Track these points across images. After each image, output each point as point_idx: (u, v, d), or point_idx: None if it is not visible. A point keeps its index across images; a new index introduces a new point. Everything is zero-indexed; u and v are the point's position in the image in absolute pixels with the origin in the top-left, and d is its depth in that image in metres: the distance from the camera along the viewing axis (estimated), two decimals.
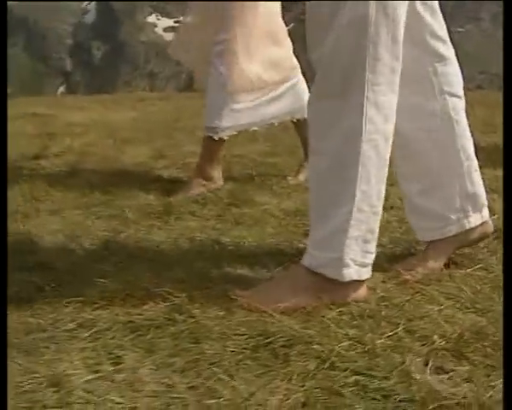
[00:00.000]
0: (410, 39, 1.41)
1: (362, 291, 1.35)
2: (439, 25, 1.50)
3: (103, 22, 26.19)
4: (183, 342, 1.17)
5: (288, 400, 0.96)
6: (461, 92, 1.56)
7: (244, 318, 1.22)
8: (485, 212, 1.57)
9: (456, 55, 1.57)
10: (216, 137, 2.43)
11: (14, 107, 6.06)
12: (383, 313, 1.26)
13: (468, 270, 1.49)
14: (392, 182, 1.58)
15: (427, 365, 1.06)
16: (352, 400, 0.96)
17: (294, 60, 2.58)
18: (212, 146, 2.47)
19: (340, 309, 1.28)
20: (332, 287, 1.33)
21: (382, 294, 1.36)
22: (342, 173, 1.33)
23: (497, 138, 3.43)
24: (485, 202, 1.57)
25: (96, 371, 1.09)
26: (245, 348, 1.12)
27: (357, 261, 1.34)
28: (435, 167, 1.53)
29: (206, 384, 1.02)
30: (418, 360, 1.08)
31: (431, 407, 0.93)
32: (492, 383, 0.99)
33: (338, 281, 1.33)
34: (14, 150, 3.54)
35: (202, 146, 2.52)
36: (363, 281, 1.35)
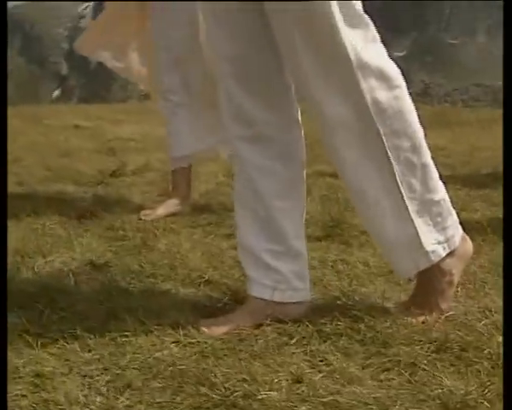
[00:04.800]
0: None
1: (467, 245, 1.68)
2: None
3: None
4: (374, 347, 1.49)
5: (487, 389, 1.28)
6: None
7: (414, 326, 1.55)
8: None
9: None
10: None
11: (33, 116, 6.35)
12: None
13: None
14: None
15: None
16: None
17: None
18: None
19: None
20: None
21: None
22: (384, 188, 1.59)
23: None
24: None
25: (320, 371, 1.40)
26: (430, 352, 1.44)
27: (440, 240, 1.62)
28: None
29: (413, 379, 1.35)
30: None
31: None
32: None
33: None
34: (86, 166, 3.85)
35: None
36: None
